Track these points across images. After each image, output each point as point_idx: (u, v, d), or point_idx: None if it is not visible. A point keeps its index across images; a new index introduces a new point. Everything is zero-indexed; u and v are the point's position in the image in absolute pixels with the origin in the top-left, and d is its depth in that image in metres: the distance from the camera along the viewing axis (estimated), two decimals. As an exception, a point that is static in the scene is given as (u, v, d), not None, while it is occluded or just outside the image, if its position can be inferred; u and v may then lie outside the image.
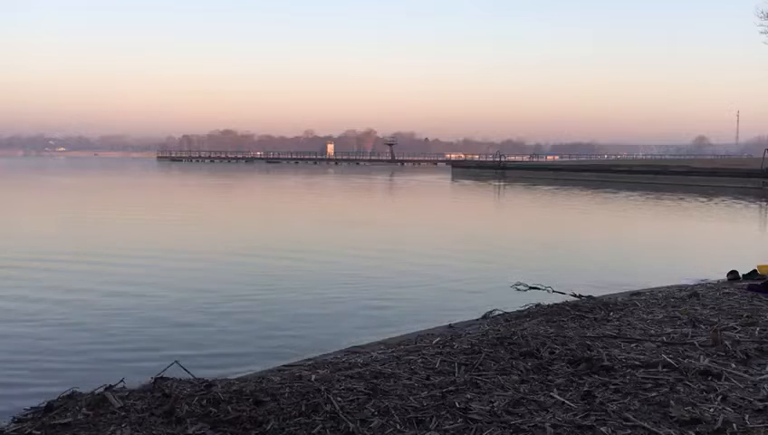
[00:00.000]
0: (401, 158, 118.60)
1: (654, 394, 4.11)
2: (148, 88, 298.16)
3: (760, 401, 4.01)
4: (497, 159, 67.21)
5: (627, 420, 3.71)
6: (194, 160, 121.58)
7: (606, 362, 4.72)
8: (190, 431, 3.67)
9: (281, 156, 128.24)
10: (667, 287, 8.70)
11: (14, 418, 4.05)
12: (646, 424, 3.65)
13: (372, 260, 12.16)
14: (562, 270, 10.91)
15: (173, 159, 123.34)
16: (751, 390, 4.22)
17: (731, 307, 6.90)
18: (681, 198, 30.97)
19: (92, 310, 7.96)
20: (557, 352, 5.05)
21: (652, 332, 5.81)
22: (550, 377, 4.51)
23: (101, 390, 4.28)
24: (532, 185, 43.92)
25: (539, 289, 8.03)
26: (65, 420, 3.81)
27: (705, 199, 30.14)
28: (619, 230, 19.15)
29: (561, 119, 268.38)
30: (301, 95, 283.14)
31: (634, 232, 18.51)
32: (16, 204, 26.17)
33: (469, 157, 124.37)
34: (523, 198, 33.39)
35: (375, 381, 4.44)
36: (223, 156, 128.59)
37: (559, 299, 7.58)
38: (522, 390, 4.24)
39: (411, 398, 4.10)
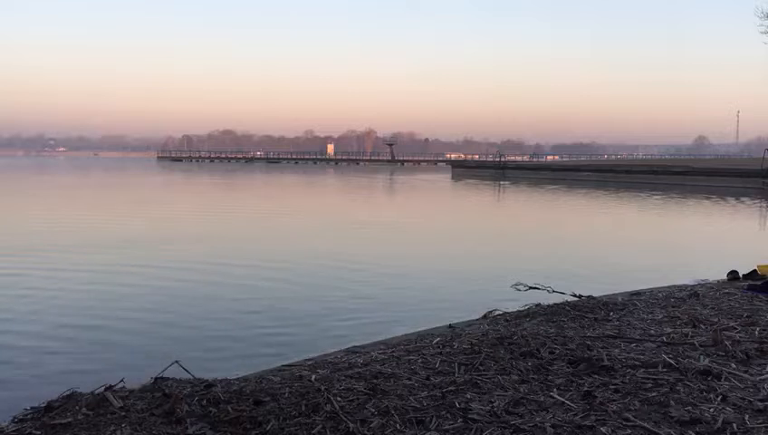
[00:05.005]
0: (401, 158, 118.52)
1: (654, 394, 4.11)
2: (148, 88, 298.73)
3: (760, 401, 4.00)
4: (497, 159, 67.17)
5: (627, 420, 3.71)
6: (194, 160, 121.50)
7: (606, 362, 4.72)
8: (190, 431, 3.67)
9: (281, 156, 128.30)
10: (667, 287, 8.69)
11: (14, 418, 4.05)
12: (646, 424, 3.64)
13: (372, 260, 12.16)
14: (562, 270, 10.91)
15: (173, 160, 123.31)
16: (751, 390, 4.22)
17: (731, 307, 6.89)
18: (684, 198, 30.97)
19: (92, 310, 7.96)
20: (557, 352, 5.04)
21: (652, 332, 5.81)
22: (550, 377, 4.50)
23: (101, 390, 4.27)
24: (534, 185, 43.90)
25: (539, 289, 8.00)
26: (65, 420, 3.81)
27: (711, 200, 30.11)
28: (619, 230, 19.14)
29: (561, 119, 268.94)
30: (301, 95, 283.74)
31: (634, 232, 18.50)
32: (18, 203, 26.17)
33: (469, 157, 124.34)
34: (525, 198, 33.37)
35: (375, 381, 4.43)
36: (223, 156, 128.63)
37: (559, 299, 7.57)
38: (522, 390, 4.24)
39: (411, 398, 4.09)
